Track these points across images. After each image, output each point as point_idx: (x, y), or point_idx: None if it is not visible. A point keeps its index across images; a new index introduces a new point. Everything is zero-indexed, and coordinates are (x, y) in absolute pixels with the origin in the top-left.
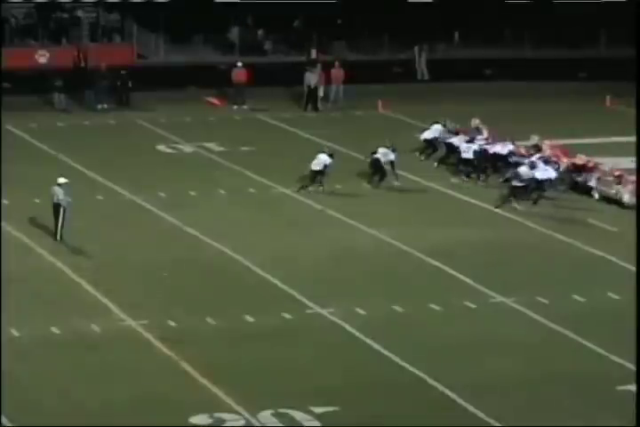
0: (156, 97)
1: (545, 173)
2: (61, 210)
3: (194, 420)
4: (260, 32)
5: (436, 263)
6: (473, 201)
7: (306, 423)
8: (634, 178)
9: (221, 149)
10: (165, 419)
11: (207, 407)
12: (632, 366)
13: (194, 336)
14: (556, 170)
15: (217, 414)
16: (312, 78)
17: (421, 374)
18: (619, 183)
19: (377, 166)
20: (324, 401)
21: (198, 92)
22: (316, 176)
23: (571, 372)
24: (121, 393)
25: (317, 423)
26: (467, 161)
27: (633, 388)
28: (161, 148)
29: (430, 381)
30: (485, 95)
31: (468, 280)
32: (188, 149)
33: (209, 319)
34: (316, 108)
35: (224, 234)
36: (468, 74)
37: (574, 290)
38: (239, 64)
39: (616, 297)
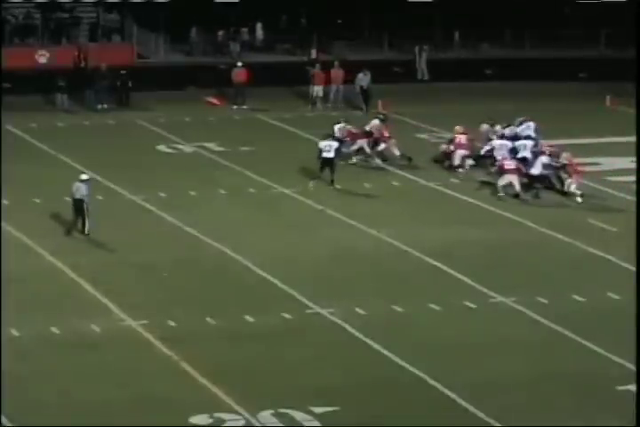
0: (155, 97)
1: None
2: (85, 205)
3: (194, 420)
4: (219, 33)
5: (436, 263)
6: (472, 201)
7: (306, 423)
8: (581, 168)
9: (221, 149)
10: (165, 419)
11: (207, 407)
12: (632, 366)
13: (194, 336)
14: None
15: (217, 414)
16: (364, 79)
17: (421, 374)
18: (566, 172)
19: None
20: (324, 401)
21: (198, 92)
22: None
23: (570, 372)
24: (121, 393)
25: (317, 423)
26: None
27: (633, 388)
28: (161, 148)
29: (430, 381)
30: (485, 95)
31: (467, 280)
32: (188, 149)
33: (209, 319)
34: (363, 108)
35: (224, 234)
36: (469, 74)
37: (574, 290)
38: (239, 64)
39: (616, 297)
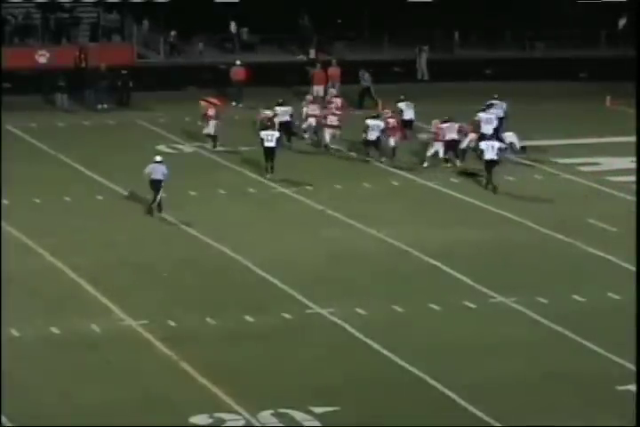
0: (155, 97)
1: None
2: (162, 184)
3: (194, 420)
4: (172, 33)
5: (436, 263)
6: (473, 201)
7: (306, 423)
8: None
9: (221, 148)
10: (165, 419)
11: (207, 407)
12: (632, 366)
13: (194, 336)
14: None
15: (217, 414)
16: (364, 79)
17: (421, 374)
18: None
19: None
20: (324, 401)
21: (197, 92)
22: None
23: (570, 372)
24: (121, 393)
25: (317, 423)
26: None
27: (633, 388)
28: (161, 148)
29: (430, 380)
30: (485, 95)
31: (467, 280)
32: (188, 149)
33: (209, 319)
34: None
35: (224, 234)
36: (468, 74)
37: (574, 290)
38: (238, 62)
39: (616, 297)
